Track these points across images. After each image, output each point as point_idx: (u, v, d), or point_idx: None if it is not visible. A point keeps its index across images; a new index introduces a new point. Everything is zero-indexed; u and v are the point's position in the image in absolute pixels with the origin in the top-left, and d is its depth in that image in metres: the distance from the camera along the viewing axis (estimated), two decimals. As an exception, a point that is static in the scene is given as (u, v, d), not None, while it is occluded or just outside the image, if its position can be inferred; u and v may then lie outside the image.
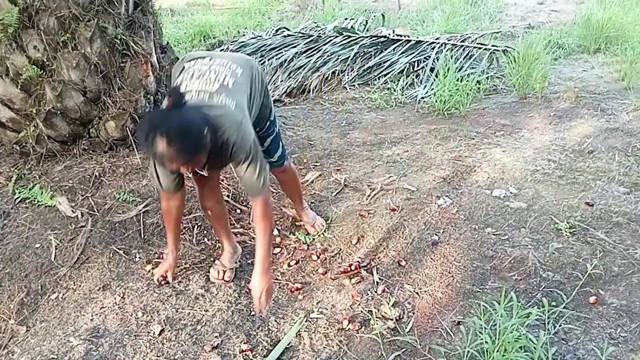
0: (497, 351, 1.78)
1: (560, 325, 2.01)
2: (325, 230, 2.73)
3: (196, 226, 2.75)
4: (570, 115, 3.99)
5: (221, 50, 6.03)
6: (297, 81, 5.06)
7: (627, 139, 3.45)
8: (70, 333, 2.16)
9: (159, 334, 2.13)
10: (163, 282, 2.36)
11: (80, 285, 2.40)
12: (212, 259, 2.55)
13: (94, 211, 2.71)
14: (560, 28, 6.42)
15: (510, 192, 2.96)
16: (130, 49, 2.86)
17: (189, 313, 2.24)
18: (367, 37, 5.64)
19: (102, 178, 2.89)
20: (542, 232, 2.60)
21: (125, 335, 2.13)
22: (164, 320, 2.20)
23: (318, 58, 5.29)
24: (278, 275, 2.48)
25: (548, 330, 1.99)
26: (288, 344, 2.06)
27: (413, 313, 2.20)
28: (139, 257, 2.54)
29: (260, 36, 6.26)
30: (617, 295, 2.18)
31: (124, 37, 2.83)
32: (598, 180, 3.02)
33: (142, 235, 2.65)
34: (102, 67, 2.81)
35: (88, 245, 2.57)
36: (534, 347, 1.81)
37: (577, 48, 5.79)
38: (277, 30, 6.40)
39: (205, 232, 2.74)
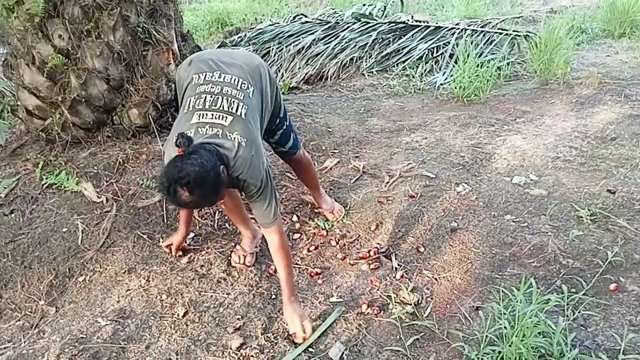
0: (516, 336, 1.80)
1: (579, 312, 2.01)
2: (344, 217, 2.76)
3: (217, 212, 2.80)
4: (592, 101, 3.93)
5: (239, 38, 6.06)
6: (314, 68, 5.07)
7: (651, 125, 3.39)
8: (98, 314, 2.24)
9: (183, 316, 2.19)
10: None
11: (106, 269, 2.48)
12: (233, 244, 2.60)
13: (119, 197, 2.78)
14: (584, 12, 6.28)
15: (531, 179, 2.94)
16: (152, 37, 2.90)
17: (212, 296, 2.30)
18: (385, 23, 5.60)
19: (125, 164, 2.95)
20: (563, 220, 2.59)
21: (151, 317, 2.20)
22: (187, 303, 2.26)
23: (336, 45, 5.28)
24: (298, 260, 2.52)
25: (567, 316, 2.00)
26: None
27: (431, 298, 2.23)
28: (162, 242, 2.61)
29: (277, 23, 6.27)
30: (638, 283, 2.17)
31: (146, 26, 2.87)
32: (620, 167, 2.99)
33: (165, 221, 2.71)
34: (124, 56, 2.86)
35: (113, 230, 2.64)
36: (553, 333, 1.82)
37: (601, 33, 5.67)
38: (294, 17, 6.40)
39: (225, 217, 2.79)
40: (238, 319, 2.18)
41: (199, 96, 1.99)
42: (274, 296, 2.30)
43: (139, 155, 3.00)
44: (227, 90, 2.00)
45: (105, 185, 2.85)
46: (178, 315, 2.20)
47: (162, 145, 2.99)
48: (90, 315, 2.24)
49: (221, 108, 1.95)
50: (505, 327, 1.84)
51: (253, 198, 2.01)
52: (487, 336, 1.87)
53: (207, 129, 1.91)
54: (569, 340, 1.84)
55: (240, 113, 1.97)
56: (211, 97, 1.98)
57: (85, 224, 2.65)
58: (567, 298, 2.01)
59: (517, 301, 1.90)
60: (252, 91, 2.07)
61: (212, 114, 1.94)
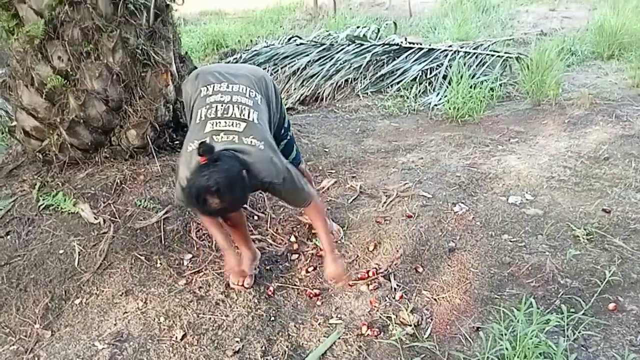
0: (517, 357, 1.79)
1: (579, 332, 2.01)
2: (342, 237, 2.76)
3: (215, 233, 2.79)
4: (584, 121, 3.99)
5: (234, 60, 6.12)
6: (310, 89, 5.13)
7: (643, 145, 3.45)
8: (95, 337, 2.21)
9: (181, 339, 2.17)
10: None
11: (103, 291, 2.45)
12: (231, 265, 2.59)
13: (116, 218, 2.77)
14: (573, 34, 6.43)
15: (526, 199, 2.97)
16: (151, 59, 2.93)
17: (210, 318, 2.28)
18: (379, 45, 5.70)
19: (123, 185, 2.95)
20: (559, 239, 2.61)
21: (149, 340, 2.17)
22: (186, 325, 2.23)
23: (331, 66, 5.35)
24: (296, 282, 2.51)
25: (567, 336, 2.00)
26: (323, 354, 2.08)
27: (431, 319, 2.22)
28: (160, 263, 2.59)
29: (273, 45, 6.35)
30: (636, 302, 2.18)
31: (145, 48, 2.90)
32: (615, 187, 3.03)
33: (163, 242, 2.70)
34: (123, 77, 2.88)
35: (110, 251, 2.62)
36: (554, 354, 1.81)
37: (591, 54, 5.80)
38: (289, 39, 6.49)
39: (224, 238, 2.78)
40: (237, 341, 2.16)
41: (209, 106, 2.02)
42: (272, 318, 2.28)
43: (137, 176, 3.00)
44: (237, 99, 2.04)
45: (102, 207, 2.84)
46: (176, 338, 2.17)
47: (160, 165, 3.00)
48: (87, 338, 2.21)
49: (233, 115, 1.99)
50: (506, 349, 1.84)
51: (282, 194, 2.08)
52: (488, 357, 1.87)
53: (221, 137, 1.95)
54: (570, 361, 1.84)
55: (252, 119, 2.02)
56: (222, 105, 2.02)
57: (82, 246, 2.63)
58: (567, 318, 2.01)
59: (517, 321, 1.90)
60: (259, 99, 2.12)
61: (225, 122, 1.98)
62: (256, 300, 2.38)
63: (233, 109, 2.01)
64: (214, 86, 2.10)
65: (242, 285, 2.43)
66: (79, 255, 2.59)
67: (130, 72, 2.91)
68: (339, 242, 2.73)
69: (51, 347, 2.19)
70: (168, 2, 3.16)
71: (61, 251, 2.61)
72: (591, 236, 2.59)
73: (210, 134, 1.95)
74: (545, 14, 8.11)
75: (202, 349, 2.12)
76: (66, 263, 2.56)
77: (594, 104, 4.29)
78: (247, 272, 2.46)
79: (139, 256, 2.60)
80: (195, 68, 3.53)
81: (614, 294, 2.24)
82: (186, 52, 3.51)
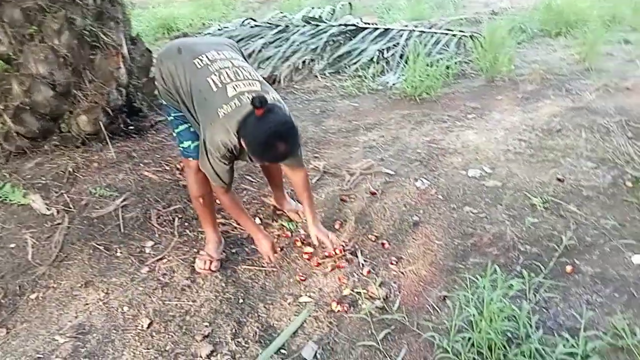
0: (484, 322, 1.84)
1: (540, 295, 2.09)
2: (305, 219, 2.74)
3: (177, 218, 2.72)
4: (536, 96, 4.12)
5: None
6: (267, 71, 5.03)
7: (592, 117, 3.59)
8: (55, 331, 2.11)
9: (148, 327, 2.11)
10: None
11: (60, 284, 2.35)
12: (195, 250, 2.53)
13: (70, 208, 2.65)
14: (523, 13, 6.59)
15: (485, 172, 3.04)
16: (100, 41, 2.80)
17: (177, 304, 2.23)
18: (335, 25, 5.65)
19: (76, 174, 2.82)
20: (518, 208, 2.69)
21: (113, 331, 2.10)
22: (151, 313, 2.17)
23: (287, 48, 5.27)
24: (264, 263, 2.48)
25: (529, 300, 2.07)
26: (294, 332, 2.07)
27: (399, 292, 2.25)
28: (121, 252, 2.50)
29: (226, 27, 6.19)
30: (591, 264, 2.28)
31: (93, 29, 2.77)
32: (567, 157, 3.14)
33: (122, 230, 2.61)
34: (71, 60, 2.74)
35: (66, 243, 2.51)
36: (518, 316, 1.88)
37: (540, 32, 5.97)
38: (243, 21, 6.34)
39: (186, 224, 2.72)
40: (206, 326, 2.12)
41: (219, 72, 2.03)
42: (241, 300, 2.25)
43: (90, 164, 2.87)
44: (237, 63, 2.09)
45: (55, 197, 2.71)
46: (142, 326, 2.11)
47: (115, 152, 2.88)
48: (47, 333, 2.11)
49: (245, 77, 2.04)
50: (473, 315, 1.89)
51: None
52: (456, 324, 1.91)
53: (247, 96, 1.97)
54: (533, 323, 1.90)
55: (259, 78, 2.10)
56: (230, 70, 2.04)
57: (35, 238, 2.51)
58: (528, 282, 2.08)
59: (482, 288, 1.95)
60: (248, 63, 2.20)
61: (243, 83, 2.02)
62: (223, 284, 2.34)
63: (241, 72, 2.06)
64: (206, 56, 2.08)
65: (209, 269, 2.38)
66: (33, 248, 2.47)
67: (78, 55, 2.77)
68: (304, 222, 2.71)
69: (7, 346, 2.08)
70: (115, -19, 3.01)
71: (12, 245, 2.48)
72: (547, 204, 2.69)
73: (236, 96, 1.97)
74: (495, -6, 8.27)
75: (170, 336, 2.07)
76: (19, 257, 2.44)
77: (545, 79, 4.43)
78: (215, 256, 2.42)
79: (98, 246, 2.50)
80: (148, 50, 3.41)
81: (571, 258, 2.33)
82: (137, 34, 3.37)
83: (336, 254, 2.45)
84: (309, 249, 2.50)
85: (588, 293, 2.12)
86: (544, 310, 2.05)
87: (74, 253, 2.47)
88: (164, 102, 2.25)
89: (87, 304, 2.23)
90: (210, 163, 2.04)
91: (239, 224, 2.59)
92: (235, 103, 1.95)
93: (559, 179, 2.90)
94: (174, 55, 2.14)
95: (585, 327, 1.85)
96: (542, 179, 2.92)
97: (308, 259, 2.47)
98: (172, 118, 2.25)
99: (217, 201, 2.36)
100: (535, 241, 2.44)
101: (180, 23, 7.49)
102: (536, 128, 3.54)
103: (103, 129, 2.88)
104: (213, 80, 2.01)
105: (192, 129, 2.25)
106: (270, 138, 1.85)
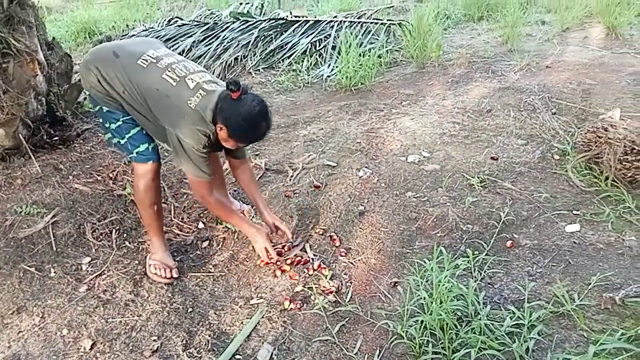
0: (434, 303, 1.88)
1: (485, 271, 2.16)
2: (253, 217, 2.69)
3: (114, 230, 2.59)
4: (466, 79, 4.25)
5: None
6: (199, 70, 4.89)
7: (518, 95, 3.75)
8: (-14, 365, 1.95)
9: (91, 348, 1.98)
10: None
11: (-11, 313, 2.16)
12: (136, 262, 2.42)
13: (-7, 230, 2.44)
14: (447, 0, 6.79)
15: (424, 156, 3.11)
16: (12, 47, 2.58)
17: (121, 321, 2.11)
18: (265, 20, 5.58)
19: (-3, 193, 2.60)
20: (457, 189, 2.77)
21: (53, 356, 1.96)
22: (93, 333, 2.05)
23: (218, 45, 5.15)
24: (210, 268, 2.41)
25: (475, 277, 2.13)
26: (248, 335, 2.02)
27: (351, 283, 2.25)
28: (55, 272, 2.34)
29: (152, 28, 5.97)
30: (529, 237, 2.39)
31: (3, 35, 2.55)
32: (498, 135, 3.27)
33: (55, 248, 2.44)
34: (-21, 70, 2.52)
35: (-8, 268, 2.32)
36: (466, 294, 1.93)
37: (464, 17, 6.17)
38: (169, 21, 6.14)
39: (124, 235, 2.59)
40: (154, 340, 2.02)
41: (170, 68, 2.03)
42: (190, 309, 2.17)
43: (13, 181, 2.67)
44: (178, 58, 2.12)
45: (-26, 220, 2.49)
46: (85, 349, 1.98)
47: (40, 166, 2.70)
48: (-23, 368, 1.94)
49: (194, 69, 2.08)
50: (424, 298, 1.92)
51: None
52: (408, 309, 1.93)
53: (207, 85, 2.01)
54: (480, 299, 1.96)
55: (204, 69, 2.14)
56: (178, 65, 2.05)
57: (-44, 267, 2.29)
58: (473, 260, 2.15)
59: (430, 270, 1.98)
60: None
61: (196, 75, 2.04)
62: (170, 294, 2.24)
63: (189, 65, 2.09)
64: (148, 55, 2.06)
65: (172, 277, 2.29)
66: (-47, 277, 2.26)
67: (-12, 64, 2.55)
68: (251, 221, 2.65)
69: None
70: (23, -18, 2.79)
71: None
72: (484, 183, 2.78)
73: (198, 87, 1.99)
74: (419, -18, 8.47)
75: (116, 355, 1.96)
76: (-62, 289, 2.22)
77: (472, 62, 4.59)
78: (172, 264, 2.33)
79: (28, 268, 2.33)
80: (67, 55, 3.21)
81: (510, 232, 2.42)
82: (53, 38, 3.15)
83: (284, 251, 2.42)
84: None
85: (529, 265, 2.22)
86: (490, 286, 2.12)
87: (2, 278, 2.29)
88: (106, 108, 2.11)
89: (20, 332, 2.07)
90: (191, 158, 2.02)
91: (225, 221, 2.54)
92: (200, 93, 1.98)
93: (493, 158, 3.01)
94: (111, 59, 2.05)
95: (528, 298, 1.93)
96: (477, 159, 3.02)
97: (266, 264, 2.39)
98: (120, 123, 2.12)
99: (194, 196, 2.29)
100: (476, 220, 2.52)
101: (102, 26, 7.13)
102: (468, 110, 3.66)
103: (24, 142, 2.68)
104: (169, 76, 2.01)
105: (145, 131, 2.15)
106: (255, 117, 1.91)
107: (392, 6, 6.64)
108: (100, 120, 2.22)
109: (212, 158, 2.56)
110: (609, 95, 3.60)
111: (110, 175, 2.94)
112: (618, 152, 2.56)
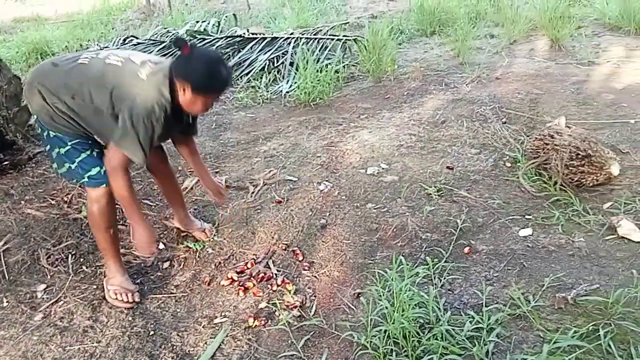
0: (397, 312, 1.91)
1: (445, 278, 2.22)
2: (214, 235, 2.67)
3: (70, 255, 2.51)
4: (420, 92, 4.38)
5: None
6: (156, 89, 4.84)
7: (470, 106, 3.88)
8: None
9: (48, 379, 1.92)
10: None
11: (-64, 349, 2.06)
12: (94, 286, 2.36)
13: (-61, 261, 2.33)
14: (400, 15, 6.99)
15: (382, 168, 3.17)
16: (-45, 70, 2.49)
17: (79, 349, 2.05)
18: (222, 38, 5.59)
19: (-58, 222, 2.49)
20: (415, 199, 2.83)
21: (7, 391, 1.88)
22: (51, 363, 1.98)
23: (175, 63, 5.10)
24: (172, 289, 2.37)
25: (435, 284, 2.18)
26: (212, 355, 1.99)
27: (315, 296, 2.26)
28: (7, 302, 2.25)
29: (107, 47, 5.87)
30: (485, 242, 2.47)
31: (-55, 58, 2.46)
32: (453, 145, 3.37)
33: (7, 277, 2.35)
34: None
35: (-62, 301, 2.21)
36: (427, 302, 1.97)
37: (416, 32, 6.36)
38: (124, 40, 6.07)
39: (81, 259, 2.52)
40: (115, 366, 1.97)
41: (112, 54, 2.03)
42: (151, 332, 2.12)
43: (-40, 209, 2.56)
44: (118, 52, 2.11)
45: None
46: (41, 380, 1.92)
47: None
48: None
49: (137, 53, 2.11)
50: (386, 307, 1.95)
51: None
52: (371, 319, 1.96)
53: (153, 58, 2.05)
54: (441, 306, 2.01)
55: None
56: (117, 51, 2.07)
57: None
58: (433, 268, 2.20)
59: (391, 280, 2.02)
60: None
61: (140, 54, 2.07)
62: (130, 318, 2.19)
63: (124, 52, 2.08)
64: (88, 53, 2.07)
65: (134, 301, 2.24)
66: None
67: None
68: (212, 240, 2.64)
69: None
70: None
71: None
72: (441, 192, 2.86)
73: (145, 60, 2.01)
74: (373, -1, 8.69)
75: (75, 385, 1.90)
76: None
77: (426, 75, 4.73)
78: (132, 287, 2.28)
79: (-22, 299, 2.23)
80: (16, 76, 3.12)
81: (467, 239, 2.50)
82: (0, 60, 3.06)
83: (247, 268, 2.41)
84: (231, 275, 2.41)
85: (486, 270, 2.29)
86: (450, 292, 2.17)
87: (-50, 311, 2.18)
88: (53, 134, 2.05)
89: (-29, 367, 1.98)
90: (138, 136, 1.92)
91: (123, 207, 2.22)
92: (149, 65, 1.98)
93: (448, 167, 3.11)
94: (51, 70, 2.02)
95: (486, 302, 2.00)
96: (434, 169, 3.11)
97: (230, 283, 2.37)
98: (69, 147, 2.06)
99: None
100: (434, 228, 2.59)
101: (55, 46, 6.97)
102: (423, 122, 3.76)
103: (-29, 168, 2.58)
104: (113, 60, 2.00)
105: (95, 153, 2.09)
106: (213, 63, 1.92)
107: (348, 22, 6.77)
108: (48, 148, 2.13)
109: (167, 176, 2.56)
110: (555, 104, 3.78)
111: (65, 198, 2.87)
112: (564, 158, 2.69)
